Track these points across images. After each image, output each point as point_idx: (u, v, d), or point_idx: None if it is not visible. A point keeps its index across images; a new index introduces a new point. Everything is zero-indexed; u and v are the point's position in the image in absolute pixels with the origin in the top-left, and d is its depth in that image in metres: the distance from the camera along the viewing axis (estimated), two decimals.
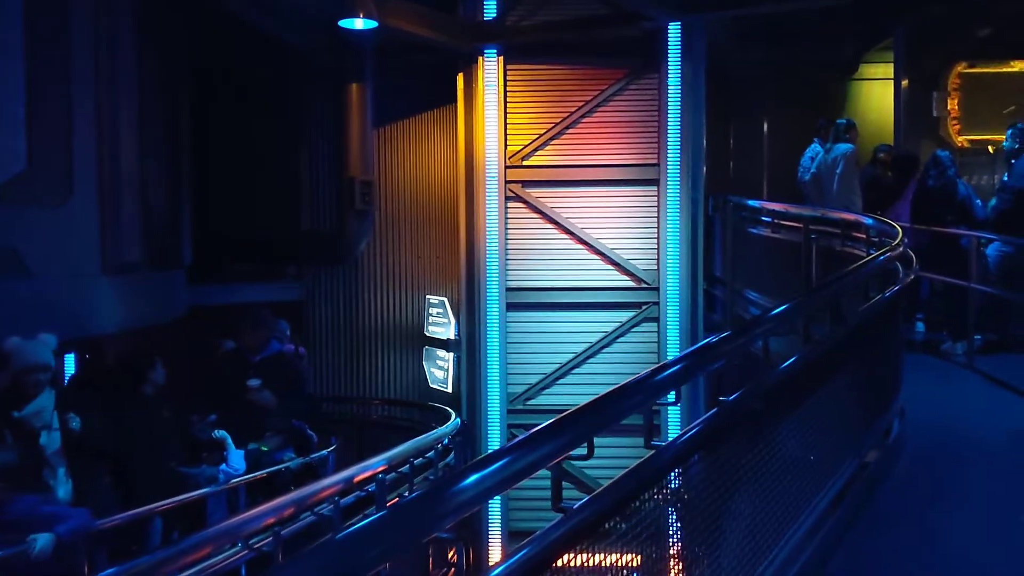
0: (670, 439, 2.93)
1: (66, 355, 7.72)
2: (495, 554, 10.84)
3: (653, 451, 2.74)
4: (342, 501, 5.31)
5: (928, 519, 4.77)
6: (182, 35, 10.21)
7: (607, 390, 2.85)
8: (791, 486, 4.09)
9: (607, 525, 2.44)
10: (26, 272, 7.09)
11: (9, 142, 6.82)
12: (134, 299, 8.66)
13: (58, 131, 7.34)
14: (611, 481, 2.47)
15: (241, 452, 6.70)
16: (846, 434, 4.92)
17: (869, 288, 5.28)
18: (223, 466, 6.48)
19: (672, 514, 2.93)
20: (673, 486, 2.83)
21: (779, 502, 3.92)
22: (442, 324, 12.38)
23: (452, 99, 11.50)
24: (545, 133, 11.19)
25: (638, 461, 2.67)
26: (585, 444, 2.54)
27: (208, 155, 12.33)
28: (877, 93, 14.07)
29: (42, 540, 4.88)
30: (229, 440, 6.57)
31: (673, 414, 10.12)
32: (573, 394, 10.97)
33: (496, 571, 2.07)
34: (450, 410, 10.37)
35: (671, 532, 2.90)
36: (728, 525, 3.38)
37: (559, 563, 2.22)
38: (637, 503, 2.59)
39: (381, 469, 5.85)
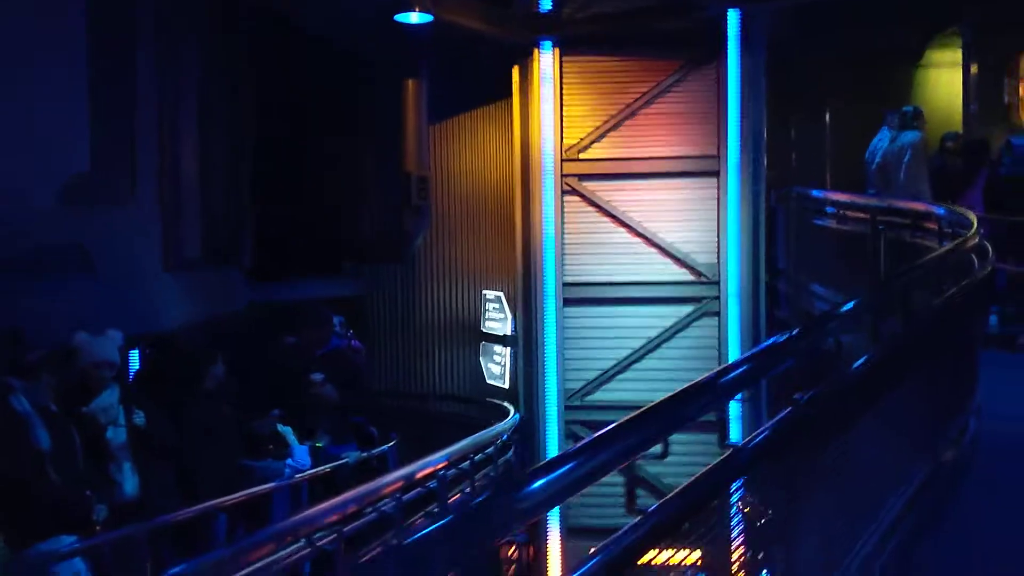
0: (735, 438, 2.84)
1: (130, 351, 7.83)
2: (554, 550, 10.77)
3: (729, 450, 2.64)
4: (404, 498, 5.28)
5: (1007, 517, 4.61)
6: (242, 37, 10.30)
7: (667, 387, 2.76)
8: (867, 486, 3.96)
9: (685, 526, 2.36)
10: (92, 269, 7.21)
11: (73, 141, 6.93)
12: (196, 295, 8.76)
13: (121, 131, 7.44)
14: (686, 482, 2.38)
15: (306, 447, 6.73)
16: (922, 432, 4.76)
17: (943, 281, 5.09)
18: (288, 460, 6.51)
19: (747, 514, 2.84)
20: (749, 486, 2.74)
21: (855, 502, 3.80)
22: (499, 319, 12.33)
23: (508, 93, 11.42)
24: (602, 126, 11.06)
25: (712, 462, 2.58)
26: (660, 444, 2.45)
27: (268, 153, 12.43)
28: (945, 80, 13.65)
29: None
30: (292, 435, 6.60)
31: (734, 409, 9.94)
32: (632, 390, 10.85)
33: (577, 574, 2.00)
34: (508, 406, 10.32)
35: (748, 531, 2.80)
36: (804, 525, 3.28)
37: (638, 564, 2.15)
38: (715, 503, 2.50)
39: (442, 466, 5.83)
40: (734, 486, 2.52)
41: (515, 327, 11.77)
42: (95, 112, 6.99)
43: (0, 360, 5.44)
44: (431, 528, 1.96)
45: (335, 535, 4.63)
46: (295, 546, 4.84)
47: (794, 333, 3.56)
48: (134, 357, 8.08)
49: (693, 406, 2.67)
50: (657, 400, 2.61)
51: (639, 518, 2.14)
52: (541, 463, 2.32)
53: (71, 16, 6.89)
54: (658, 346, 11.08)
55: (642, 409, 2.54)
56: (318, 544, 4.64)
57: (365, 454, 7.24)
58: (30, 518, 5.08)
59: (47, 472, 5.14)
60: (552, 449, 10.97)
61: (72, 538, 5.20)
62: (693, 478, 2.37)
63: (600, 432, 2.38)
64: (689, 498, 2.30)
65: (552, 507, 2.21)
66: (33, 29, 6.92)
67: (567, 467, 2.20)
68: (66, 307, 6.90)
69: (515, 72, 11.25)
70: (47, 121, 6.85)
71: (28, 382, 5.28)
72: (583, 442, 2.36)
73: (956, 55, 12.85)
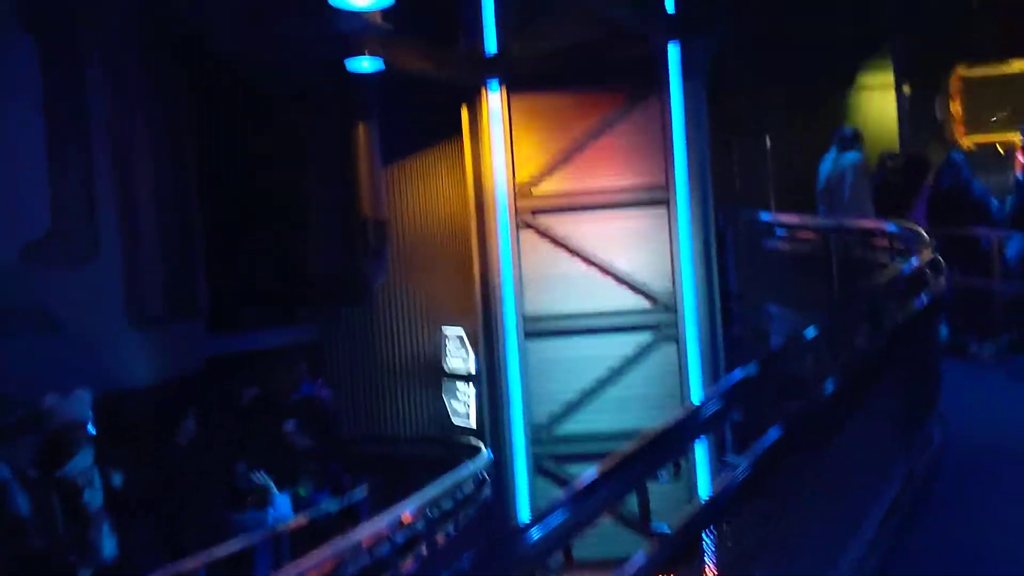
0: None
1: (99, 410, 7.72)
2: None
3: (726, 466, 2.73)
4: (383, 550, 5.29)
5: (979, 519, 4.77)
6: (187, 85, 10.30)
7: (633, 415, 2.88)
8: (843, 502, 4.09)
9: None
10: (56, 329, 7.13)
11: (33, 204, 6.88)
12: (159, 352, 8.68)
13: (80, 191, 7.41)
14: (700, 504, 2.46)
15: (287, 496, 6.69)
16: (890, 447, 4.92)
17: (904, 296, 5.29)
18: (270, 510, 6.46)
19: (729, 538, 2.91)
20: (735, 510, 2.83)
21: (834, 517, 3.92)
22: (460, 357, 12.35)
23: (458, 131, 11.56)
24: (552, 160, 11.23)
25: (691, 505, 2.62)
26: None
27: (218, 202, 12.37)
28: (878, 101, 14.15)
29: None
30: (272, 485, 6.57)
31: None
32: (598, 420, 10.93)
33: None
34: (479, 443, 10.33)
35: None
36: (793, 540, 3.38)
37: None
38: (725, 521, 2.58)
39: (422, 509, 5.84)
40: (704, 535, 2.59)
41: (477, 364, 11.80)
42: (53, 172, 6.96)
43: None
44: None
45: None
46: None
47: (752, 375, 3.64)
48: (103, 416, 7.96)
49: (672, 447, 2.77)
50: (625, 430, 2.72)
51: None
52: (534, 514, 2.38)
53: (27, 86, 6.87)
54: (620, 374, 11.18)
55: (622, 452, 2.61)
56: None
57: (343, 502, 7.21)
58: None
59: (29, 539, 5.06)
60: (522, 483, 11.00)
61: None
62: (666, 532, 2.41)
63: (590, 474, 2.44)
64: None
65: (549, 557, 2.26)
66: None
67: (561, 515, 2.26)
68: (31, 368, 6.80)
69: (464, 111, 11.39)
70: (7, 183, 6.80)
71: (4, 447, 5.20)
72: (572, 487, 2.41)
73: (888, 77, 13.33)
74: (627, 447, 2.72)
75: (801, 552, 3.51)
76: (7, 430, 5.28)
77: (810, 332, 4.27)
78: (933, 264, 5.48)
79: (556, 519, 2.28)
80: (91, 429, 5.88)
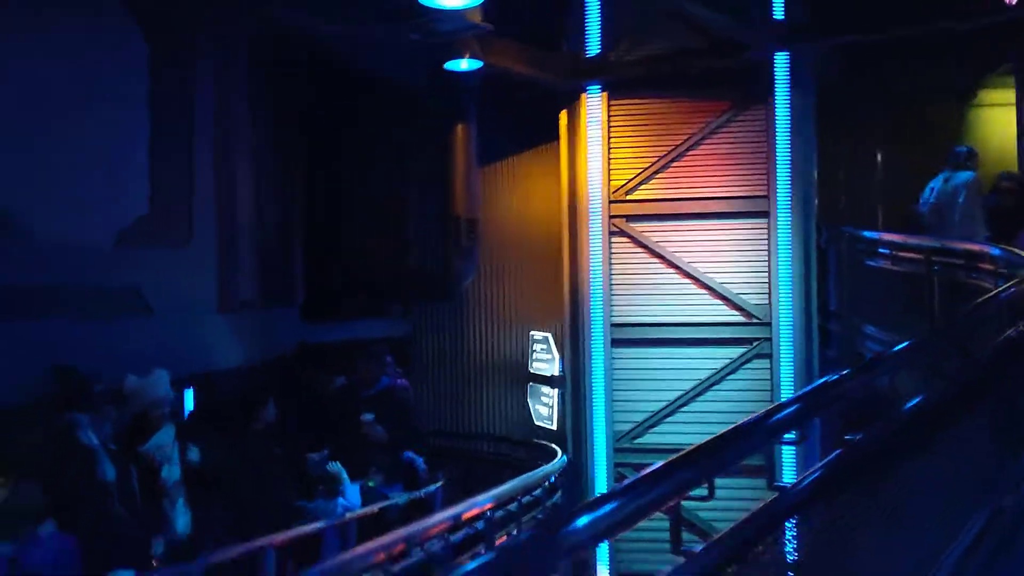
0: (789, 480, 2.81)
1: (185, 390, 7.98)
2: None
3: (777, 492, 2.61)
4: (452, 538, 5.28)
5: None
6: (294, 82, 10.57)
7: (718, 429, 2.75)
8: (919, 534, 3.87)
9: (729, 570, 2.33)
10: (148, 310, 7.39)
11: (134, 187, 7.14)
12: (249, 336, 8.92)
13: (180, 176, 7.67)
14: (734, 524, 2.36)
15: (357, 487, 6.76)
16: (979, 477, 4.65)
17: (1002, 322, 4.99)
18: (340, 500, 6.54)
19: (796, 559, 2.80)
20: (798, 530, 2.70)
21: (907, 550, 3.72)
22: (546, 360, 12.33)
23: (555, 136, 11.53)
24: (650, 167, 11.09)
25: (759, 504, 2.56)
26: (705, 484, 2.44)
27: (320, 196, 12.68)
28: (998, 119, 13.47)
29: None
30: (344, 474, 6.65)
31: (788, 453, 9.77)
32: (682, 432, 10.73)
33: None
34: (556, 447, 10.27)
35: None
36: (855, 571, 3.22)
37: None
38: (760, 548, 2.48)
39: (489, 507, 5.81)
40: (781, 528, 2.50)
41: (563, 368, 11.75)
42: (154, 157, 7.22)
43: (61, 396, 5.58)
44: (473, 565, 1.98)
45: (383, 574, 4.64)
46: None
47: (844, 373, 3.52)
48: (188, 396, 8.22)
49: (741, 446, 2.66)
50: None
51: (685, 560, 2.13)
52: (585, 502, 2.33)
53: (134, 62, 7.14)
54: (709, 388, 10.97)
55: (689, 448, 2.54)
56: None
57: (413, 494, 7.24)
58: (92, 550, 5.17)
59: (113, 504, 5.25)
60: (600, 490, 10.88)
61: (129, 572, 5.28)
62: (742, 518, 2.35)
63: (645, 471, 2.38)
64: (738, 538, 2.29)
65: (594, 545, 2.20)
66: (97, 75, 7.19)
67: (611, 505, 2.21)
68: (123, 347, 7.06)
69: (563, 115, 11.36)
70: (109, 165, 7.08)
71: (94, 416, 5.41)
72: (627, 481, 2.36)
73: (1009, 94, 12.67)
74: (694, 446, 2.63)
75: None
76: (96, 401, 5.47)
77: (897, 348, 4.08)
78: None
79: (606, 508, 2.20)
80: (173, 406, 6.06)
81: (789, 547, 2.67)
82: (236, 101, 8.70)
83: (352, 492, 6.67)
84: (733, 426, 2.78)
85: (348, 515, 6.44)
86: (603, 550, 10.68)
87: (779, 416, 2.89)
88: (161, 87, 7.38)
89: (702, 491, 2.56)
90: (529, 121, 12.19)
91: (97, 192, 7.26)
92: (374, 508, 6.79)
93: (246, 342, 8.87)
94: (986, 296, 5.15)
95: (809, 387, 3.48)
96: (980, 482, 4.65)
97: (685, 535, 2.56)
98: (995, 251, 6.65)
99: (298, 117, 10.98)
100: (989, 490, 4.67)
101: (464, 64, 10.09)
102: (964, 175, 9.43)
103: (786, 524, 2.65)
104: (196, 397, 8.60)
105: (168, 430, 5.96)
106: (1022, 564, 4.44)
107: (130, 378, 5.89)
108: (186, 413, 7.77)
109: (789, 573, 2.75)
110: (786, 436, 2.94)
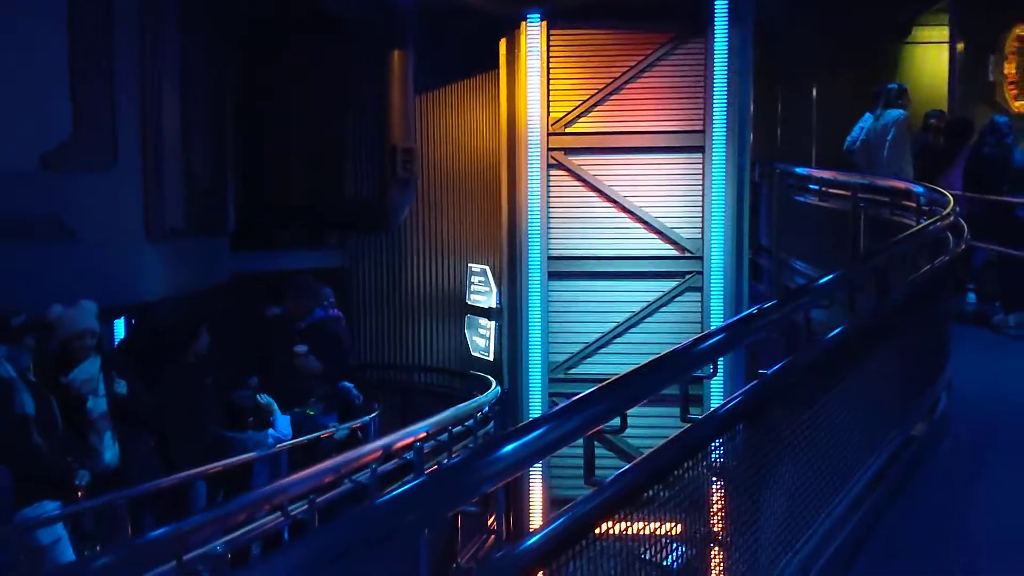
0: (709, 411, 2.89)
1: (115, 321, 7.85)
2: (536, 522, 10.88)
3: (689, 424, 2.69)
4: (381, 469, 5.33)
5: (974, 492, 4.69)
6: (227, 5, 10.21)
7: (647, 360, 2.81)
8: (834, 460, 4.02)
9: (644, 496, 2.41)
10: (72, 238, 7.19)
11: (54, 110, 6.89)
12: (179, 265, 8.75)
13: (102, 99, 7.40)
14: (644, 454, 2.43)
15: (288, 417, 6.76)
16: (892, 407, 4.83)
17: (918, 258, 5.14)
18: (271, 431, 6.54)
19: (708, 486, 2.90)
20: (711, 459, 2.79)
21: (821, 476, 3.86)
22: (484, 292, 12.38)
23: (495, 65, 11.39)
24: (588, 99, 11.02)
25: (674, 433, 2.63)
26: (618, 417, 2.50)
27: (252, 122, 12.39)
28: (931, 57, 13.66)
29: None
30: (275, 405, 6.64)
31: (716, 387, 10.01)
32: (615, 364, 10.89)
33: (532, 539, 2.06)
34: (491, 379, 10.37)
35: (708, 504, 2.86)
36: (767, 499, 3.34)
37: (597, 532, 2.20)
38: (672, 476, 2.56)
39: (420, 437, 5.87)
40: (693, 458, 2.57)
41: (500, 300, 11.81)
42: (75, 78, 6.95)
43: None
44: (402, 489, 2.01)
45: (308, 505, 4.68)
46: (273, 516, 4.89)
47: (766, 306, 3.59)
48: (118, 327, 8.09)
49: (657, 379, 2.72)
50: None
51: (594, 489, 2.19)
52: (510, 429, 2.37)
53: None
54: (642, 320, 11.12)
55: (609, 380, 2.59)
56: (292, 514, 4.69)
57: (347, 425, 7.28)
58: (14, 482, 5.12)
59: (32, 437, 5.17)
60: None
61: (55, 504, 5.25)
62: (650, 450, 2.42)
63: (571, 399, 2.42)
64: (646, 469, 2.35)
65: (520, 471, 2.25)
66: None
67: (537, 432, 2.25)
68: (48, 277, 6.89)
69: (502, 44, 11.20)
70: (27, 87, 6.81)
71: (11, 347, 5.30)
72: (554, 408, 2.41)
73: (943, 32, 12.83)
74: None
75: (776, 509, 3.47)
76: (15, 332, 5.35)
77: (816, 283, 4.17)
78: (954, 228, 5.30)
79: (526, 438, 2.24)
80: (99, 337, 5.96)
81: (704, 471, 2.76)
82: (163, 23, 8.38)
83: (283, 423, 6.67)
84: (652, 358, 2.84)
85: (279, 446, 6.45)
86: (538, 477, 10.89)
87: (696, 349, 2.95)
88: (78, 4, 7.06)
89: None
90: (468, 49, 12.01)
91: (17, 115, 7.00)
92: (306, 439, 6.81)
93: (177, 271, 8.70)
94: (906, 232, 5.29)
95: (726, 322, 3.55)
96: (893, 412, 4.84)
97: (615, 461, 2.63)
98: (918, 188, 6.81)
99: (231, 42, 10.64)
100: (901, 420, 4.87)
101: None
102: (894, 113, 9.57)
103: (703, 451, 2.73)
104: (127, 328, 8.47)
105: (93, 361, 5.86)
106: (927, 488, 4.66)
107: (55, 308, 5.76)
108: (116, 344, 7.66)
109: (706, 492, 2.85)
110: (697, 372, 3.00)
